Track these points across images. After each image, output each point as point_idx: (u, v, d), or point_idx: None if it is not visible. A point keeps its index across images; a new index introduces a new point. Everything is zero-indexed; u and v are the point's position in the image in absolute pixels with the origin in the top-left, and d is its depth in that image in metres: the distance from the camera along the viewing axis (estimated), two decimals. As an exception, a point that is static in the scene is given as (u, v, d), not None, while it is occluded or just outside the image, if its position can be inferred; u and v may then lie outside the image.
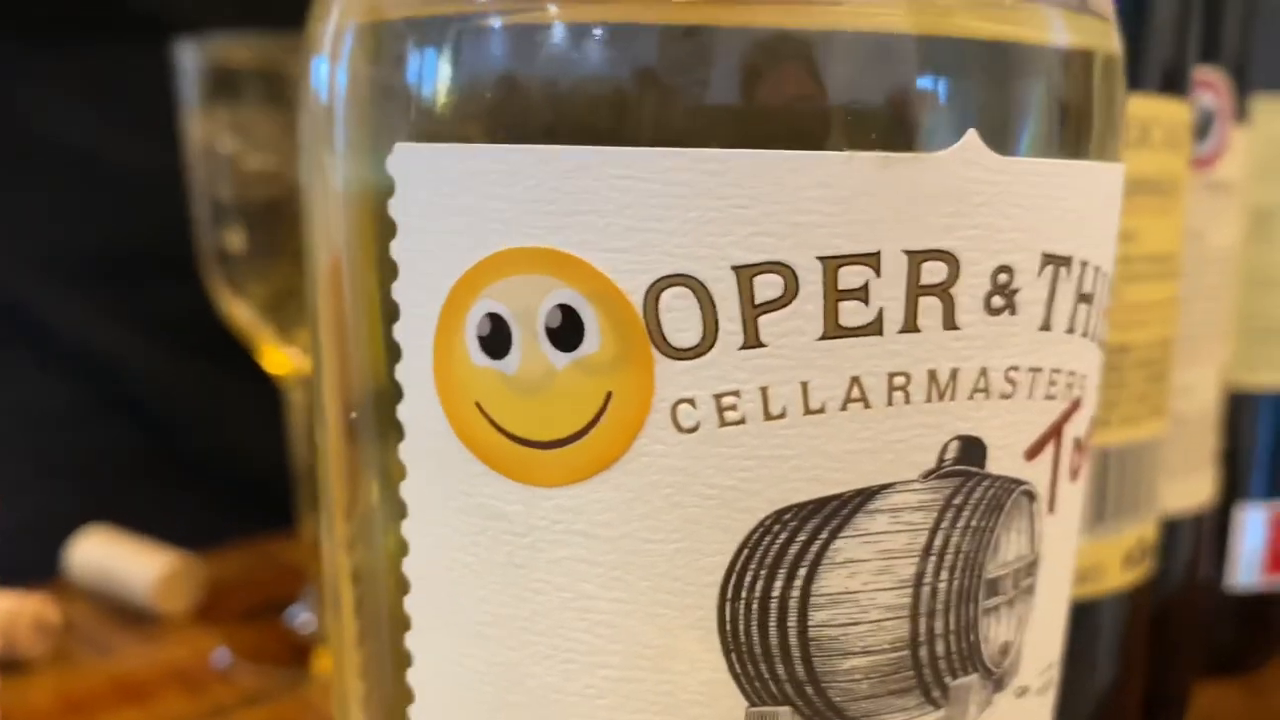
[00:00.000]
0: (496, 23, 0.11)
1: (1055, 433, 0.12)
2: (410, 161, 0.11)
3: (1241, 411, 0.40)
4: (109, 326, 0.45)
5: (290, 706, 0.36)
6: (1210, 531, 0.39)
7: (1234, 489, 0.40)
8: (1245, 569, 0.40)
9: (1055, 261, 0.12)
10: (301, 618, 0.39)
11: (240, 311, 0.36)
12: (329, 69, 0.13)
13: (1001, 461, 0.12)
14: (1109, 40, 0.13)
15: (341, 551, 0.14)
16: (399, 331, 0.12)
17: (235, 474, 0.44)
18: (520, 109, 0.11)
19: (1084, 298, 0.12)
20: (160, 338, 0.43)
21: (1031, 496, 0.12)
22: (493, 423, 0.11)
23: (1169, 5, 0.23)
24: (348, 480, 0.13)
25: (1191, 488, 0.33)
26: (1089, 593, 0.22)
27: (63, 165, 0.42)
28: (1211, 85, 0.31)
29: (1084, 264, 0.12)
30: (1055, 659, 0.14)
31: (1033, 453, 0.12)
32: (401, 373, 0.12)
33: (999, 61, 0.12)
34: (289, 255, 0.36)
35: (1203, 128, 0.30)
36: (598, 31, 0.11)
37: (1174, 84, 0.23)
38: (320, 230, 0.13)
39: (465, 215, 0.11)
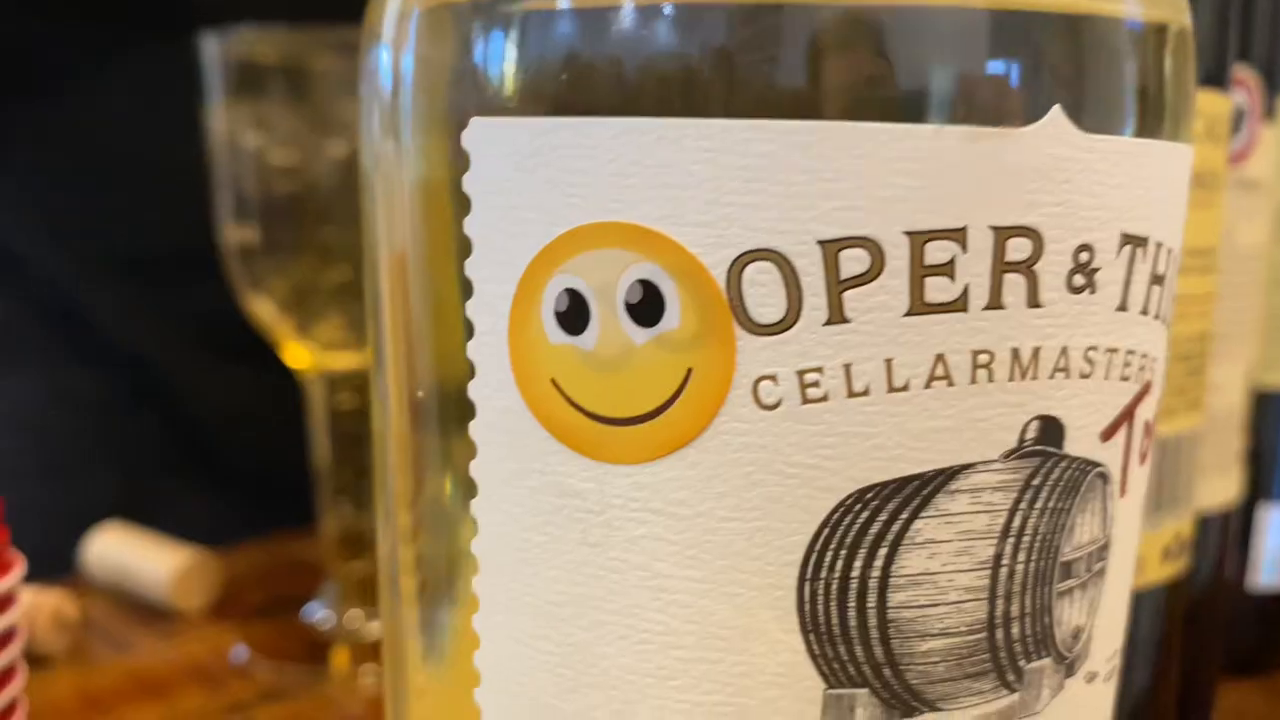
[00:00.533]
0: (566, 2, 0.11)
1: (1129, 415, 0.12)
2: (486, 136, 0.11)
3: (1264, 411, 0.39)
4: (144, 322, 0.45)
5: (309, 703, 0.36)
6: (1235, 531, 0.39)
7: (1256, 489, 0.40)
8: (1267, 569, 0.40)
9: (1133, 241, 0.12)
10: (319, 614, 0.39)
11: (261, 306, 0.36)
12: (392, 55, 0.13)
13: (1079, 442, 0.12)
14: (1182, 14, 0.13)
15: (402, 542, 0.13)
16: (472, 309, 0.12)
17: (263, 469, 0.44)
18: (594, 86, 0.11)
19: (1157, 279, 0.12)
20: (193, 335, 0.43)
21: (1106, 479, 0.12)
22: (569, 400, 0.11)
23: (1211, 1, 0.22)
24: (412, 466, 0.13)
25: (1220, 486, 0.32)
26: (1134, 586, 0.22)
27: (110, 165, 0.42)
28: (1243, 83, 0.31)
29: (1159, 245, 0.12)
30: (1119, 645, 0.14)
31: (1108, 434, 0.12)
32: (474, 350, 0.12)
33: (1075, 35, 0.12)
34: (310, 250, 0.35)
35: (1234, 124, 0.30)
36: (668, 10, 0.11)
37: (1215, 77, 0.23)
38: (384, 215, 0.13)
39: (542, 190, 0.11)
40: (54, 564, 0.41)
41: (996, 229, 0.11)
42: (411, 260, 0.13)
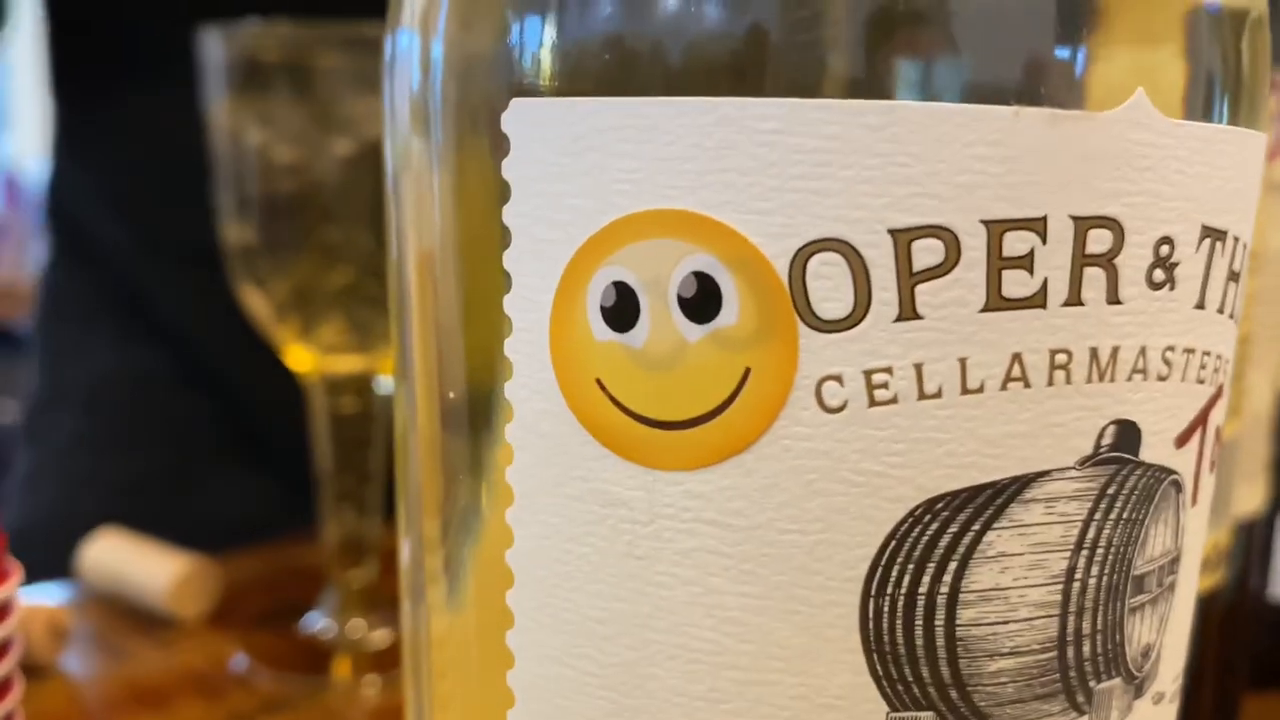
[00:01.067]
0: (607, -23, 0.10)
1: (1203, 420, 0.12)
2: (528, 118, 0.10)
3: (1283, 420, 0.39)
4: (204, 307, 0.46)
5: (310, 714, 0.35)
6: (1259, 541, 0.38)
7: (1277, 502, 0.39)
8: (1288, 580, 0.40)
9: (1213, 235, 0.11)
10: (320, 624, 0.38)
11: (259, 306, 0.35)
12: (420, 43, 0.12)
13: (1155, 449, 0.11)
14: (1260, 0, 0.12)
15: (429, 551, 0.13)
16: (510, 304, 0.11)
17: (303, 457, 0.44)
18: (639, 66, 0.10)
19: (1234, 275, 0.12)
20: (248, 322, 0.45)
21: (1179, 487, 0.12)
22: (615, 401, 0.10)
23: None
24: (441, 470, 0.12)
25: (1249, 493, 0.32)
26: (1166, 599, 0.22)
27: (182, 158, 0.43)
28: (1275, 85, 0.30)
29: (1236, 239, 0.12)
30: (1184, 664, 0.13)
31: (1183, 440, 0.11)
32: (512, 348, 0.11)
33: (1150, 18, 0.11)
34: (312, 250, 0.35)
35: (1260, 125, 0.30)
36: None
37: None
38: (412, 212, 0.12)
39: (589, 175, 0.10)
40: (139, 523, 0.42)
41: (1077, 219, 0.10)
42: (443, 256, 0.12)
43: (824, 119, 0.10)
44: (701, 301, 0.10)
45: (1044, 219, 0.10)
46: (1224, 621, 0.30)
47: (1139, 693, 0.12)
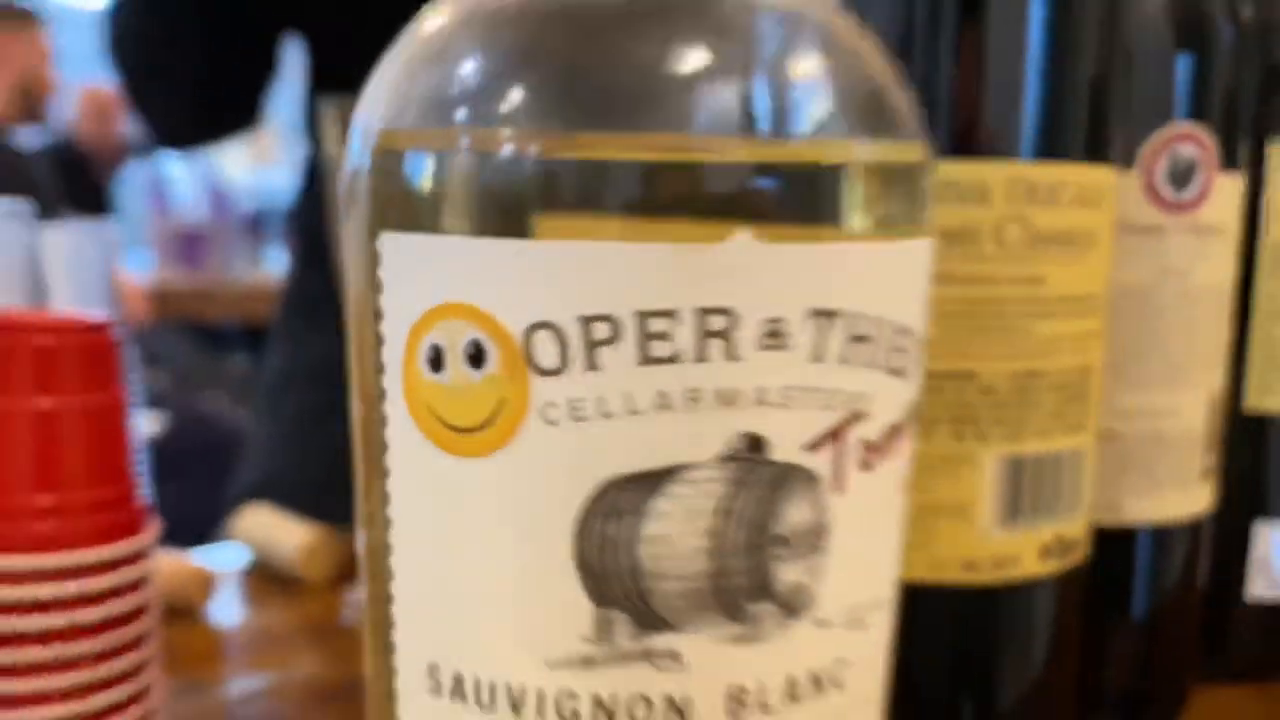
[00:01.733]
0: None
1: (835, 433, 0.18)
2: (390, 247, 0.18)
3: (1261, 434, 0.42)
4: None
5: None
6: (1225, 545, 0.42)
7: (1255, 507, 0.43)
8: (1266, 582, 0.43)
9: (821, 314, 0.17)
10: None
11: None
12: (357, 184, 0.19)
13: (784, 451, 0.17)
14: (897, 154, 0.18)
15: (362, 528, 0.20)
16: (384, 354, 0.18)
17: None
18: (441, 213, 0.17)
19: (859, 338, 0.18)
20: None
21: (813, 478, 0.18)
22: (436, 416, 0.17)
23: (1083, 83, 0.27)
24: (363, 463, 0.19)
25: (1180, 499, 0.36)
26: (1008, 578, 0.27)
27: None
28: (1194, 138, 0.34)
29: (856, 315, 0.17)
30: (867, 603, 0.19)
31: (812, 447, 0.17)
32: (386, 382, 0.18)
33: (807, 177, 0.17)
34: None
35: (1184, 176, 0.34)
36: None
37: (1091, 150, 0.27)
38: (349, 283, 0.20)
39: (419, 281, 0.17)
40: (326, 501, 0.48)
41: (701, 310, 0.16)
42: (357, 317, 0.19)
43: (529, 250, 0.16)
44: (476, 357, 0.17)
45: (676, 310, 0.16)
46: (1157, 613, 0.35)
47: (792, 615, 0.18)
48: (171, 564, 0.46)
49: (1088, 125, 0.27)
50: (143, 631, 0.32)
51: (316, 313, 0.64)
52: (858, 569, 0.19)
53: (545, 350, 0.16)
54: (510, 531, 0.17)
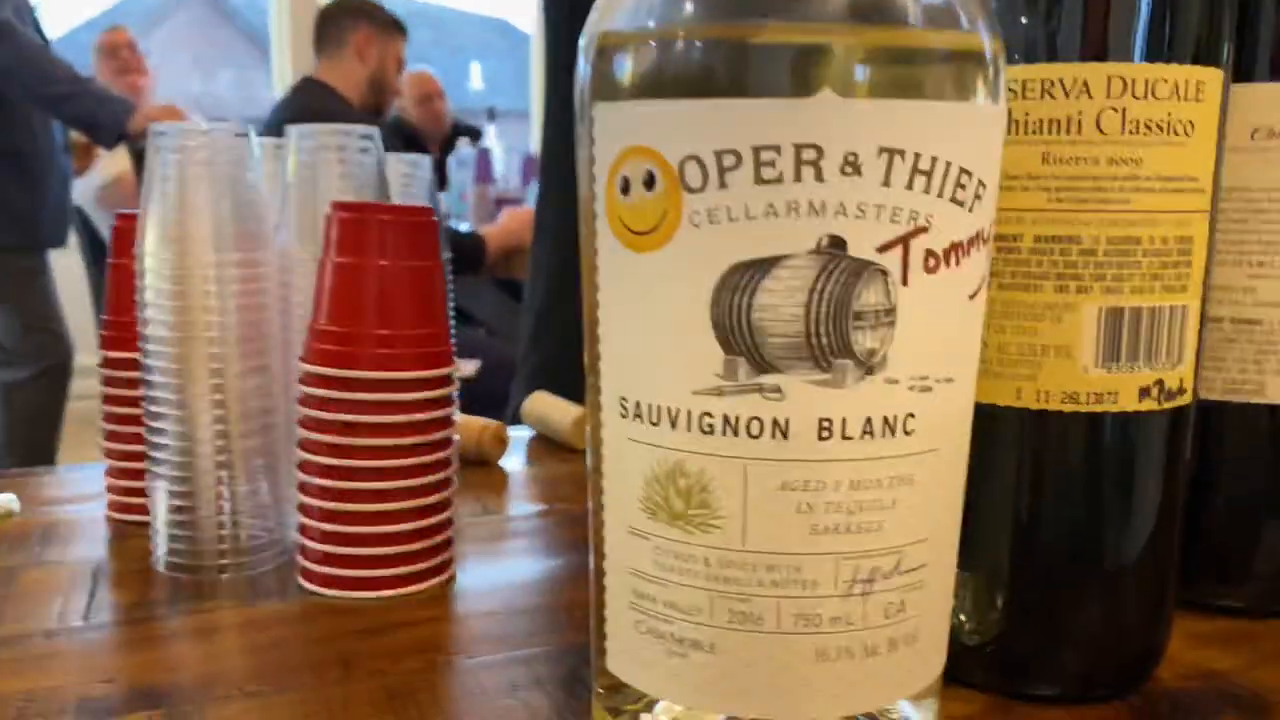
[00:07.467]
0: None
1: (901, 240, 0.25)
2: (600, 115, 0.26)
3: None
4: None
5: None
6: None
7: None
8: None
9: (890, 151, 0.24)
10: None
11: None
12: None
13: (861, 249, 0.25)
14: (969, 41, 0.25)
15: (586, 320, 0.29)
16: (596, 188, 0.27)
17: None
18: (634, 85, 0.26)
19: (922, 172, 0.25)
20: None
21: (885, 273, 0.25)
22: (625, 225, 0.26)
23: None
24: (586, 275, 0.28)
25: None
26: (1108, 409, 0.32)
27: None
28: (1345, 52, 0.38)
29: (917, 154, 0.25)
30: (933, 375, 0.26)
31: (883, 249, 0.25)
32: (597, 207, 0.27)
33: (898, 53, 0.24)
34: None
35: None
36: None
37: (1201, 56, 0.32)
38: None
39: (616, 134, 0.26)
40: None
41: (797, 145, 0.24)
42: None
43: (692, 108, 0.24)
44: (649, 181, 0.25)
45: (778, 145, 0.24)
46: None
47: (869, 372, 0.25)
48: (478, 422, 0.58)
49: (1200, 34, 0.32)
50: (447, 436, 0.43)
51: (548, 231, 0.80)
52: (923, 346, 0.26)
53: (692, 174, 0.25)
54: (669, 301, 0.26)
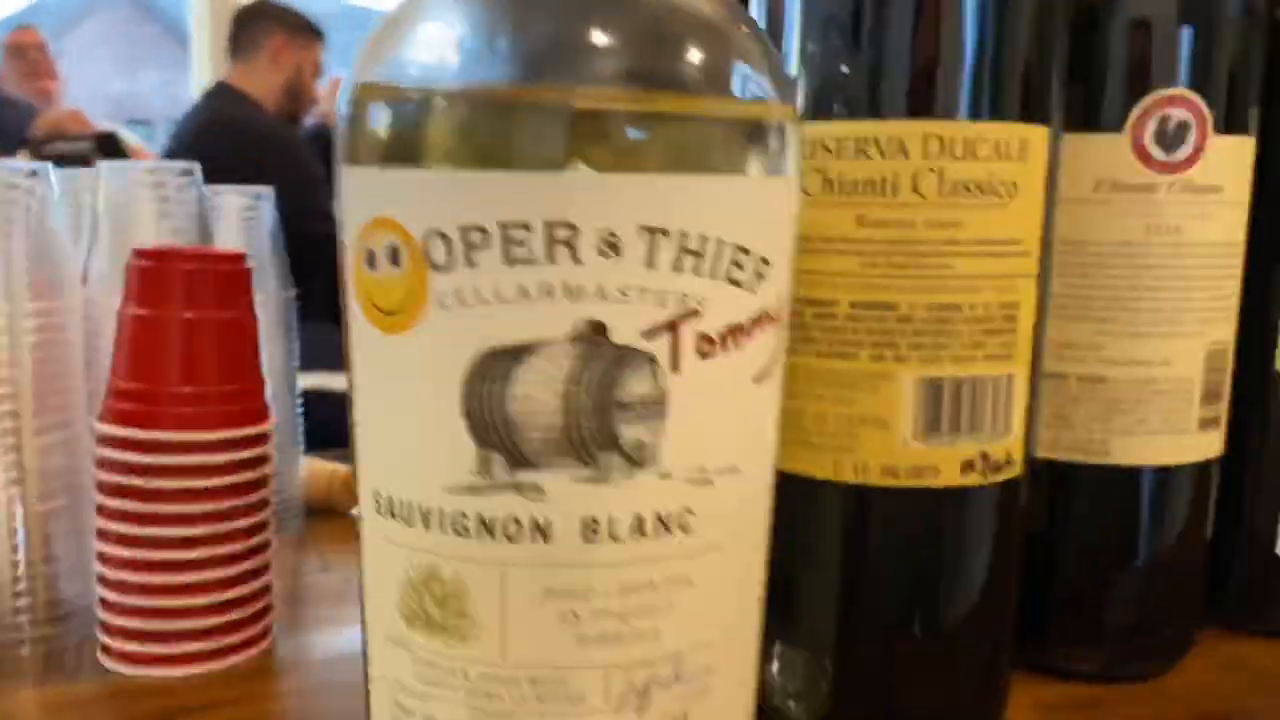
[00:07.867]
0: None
1: (669, 325, 0.23)
2: (346, 179, 0.24)
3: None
4: None
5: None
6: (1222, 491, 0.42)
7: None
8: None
9: (651, 230, 0.22)
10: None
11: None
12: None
13: (623, 335, 0.22)
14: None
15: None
16: (348, 259, 0.24)
17: None
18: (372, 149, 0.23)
19: (690, 252, 0.22)
20: None
21: (652, 359, 0.23)
22: (372, 302, 0.24)
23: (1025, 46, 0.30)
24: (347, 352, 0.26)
25: (1175, 446, 0.38)
26: (929, 484, 0.31)
27: None
28: (1185, 102, 0.37)
29: (683, 232, 0.22)
30: (713, 466, 0.24)
31: (648, 334, 0.23)
32: (348, 280, 0.24)
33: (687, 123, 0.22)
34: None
35: (1175, 138, 0.37)
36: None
37: (1027, 111, 0.30)
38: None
39: (362, 202, 0.23)
40: None
41: (548, 222, 0.22)
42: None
43: (434, 178, 0.22)
44: (394, 256, 0.23)
45: (529, 222, 0.22)
46: (1162, 554, 0.38)
47: (638, 466, 0.23)
48: (327, 469, 0.55)
49: (1023, 90, 0.30)
50: (263, 498, 0.40)
51: None
52: (700, 436, 0.24)
53: (438, 251, 0.22)
54: (418, 389, 0.23)
